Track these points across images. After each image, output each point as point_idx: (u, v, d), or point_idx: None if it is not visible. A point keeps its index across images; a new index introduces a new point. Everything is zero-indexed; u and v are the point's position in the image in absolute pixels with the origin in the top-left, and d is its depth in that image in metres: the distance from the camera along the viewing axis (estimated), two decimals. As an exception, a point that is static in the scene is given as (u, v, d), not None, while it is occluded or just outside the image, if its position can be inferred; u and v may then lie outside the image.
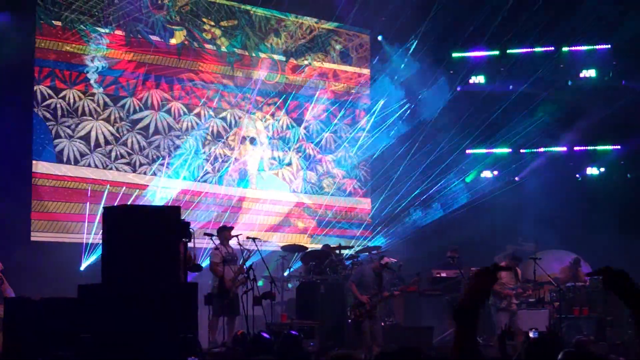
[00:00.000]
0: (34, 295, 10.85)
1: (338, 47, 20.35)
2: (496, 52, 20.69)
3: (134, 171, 17.27)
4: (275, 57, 19.36)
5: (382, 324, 15.21)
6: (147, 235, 9.84)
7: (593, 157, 21.30)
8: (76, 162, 16.58)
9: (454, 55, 20.81)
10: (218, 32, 18.57)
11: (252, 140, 18.90)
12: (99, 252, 14.13)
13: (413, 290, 17.47)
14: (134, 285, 9.72)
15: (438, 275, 17.29)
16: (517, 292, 15.26)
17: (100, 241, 10.51)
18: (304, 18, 19.85)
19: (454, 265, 16.11)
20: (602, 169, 21.30)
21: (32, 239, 15.99)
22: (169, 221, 10.02)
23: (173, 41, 17.85)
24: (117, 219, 10.11)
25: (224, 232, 14.53)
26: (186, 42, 18.03)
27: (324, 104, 19.98)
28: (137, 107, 17.35)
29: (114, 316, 9.53)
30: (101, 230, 10.56)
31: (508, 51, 20.59)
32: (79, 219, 16.44)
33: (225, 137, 18.46)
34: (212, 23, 18.45)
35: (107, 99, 17.02)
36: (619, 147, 21.02)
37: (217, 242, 14.29)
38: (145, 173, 17.37)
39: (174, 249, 10.02)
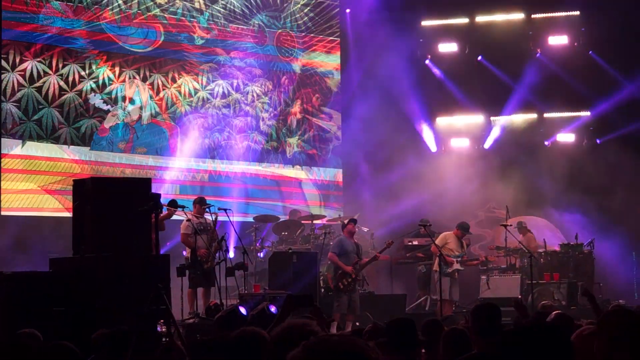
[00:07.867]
0: (5, 270, 10.79)
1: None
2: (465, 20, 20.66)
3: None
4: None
5: (356, 293, 15.28)
6: (117, 207, 9.81)
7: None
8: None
9: (424, 23, 20.73)
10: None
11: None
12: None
13: (385, 259, 17.58)
14: (105, 257, 9.70)
15: (410, 243, 17.35)
16: (461, 260, 15.39)
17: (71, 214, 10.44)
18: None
19: (426, 234, 16.15)
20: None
21: (2, 213, 15.88)
22: (138, 193, 9.99)
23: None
24: (86, 191, 10.06)
25: (199, 204, 14.51)
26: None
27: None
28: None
29: (86, 289, 9.51)
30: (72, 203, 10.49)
31: (477, 19, 20.56)
32: (49, 193, 16.35)
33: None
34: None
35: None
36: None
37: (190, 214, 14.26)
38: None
39: (145, 221, 9.97)
